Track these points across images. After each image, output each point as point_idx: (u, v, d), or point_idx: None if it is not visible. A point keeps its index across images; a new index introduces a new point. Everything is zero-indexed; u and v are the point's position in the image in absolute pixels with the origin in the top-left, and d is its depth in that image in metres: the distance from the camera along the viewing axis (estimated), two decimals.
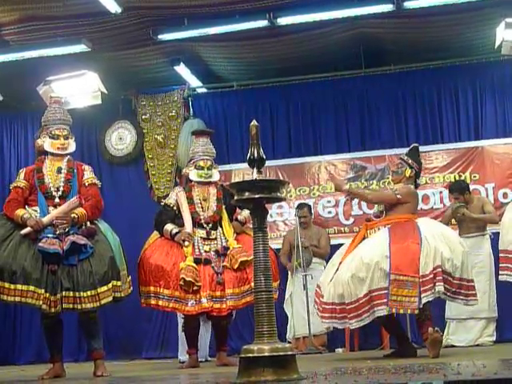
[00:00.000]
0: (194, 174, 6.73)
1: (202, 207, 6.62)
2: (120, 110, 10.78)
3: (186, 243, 6.38)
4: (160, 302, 6.28)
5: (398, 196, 6.20)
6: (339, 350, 8.81)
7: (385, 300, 5.66)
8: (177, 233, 6.46)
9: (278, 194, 3.82)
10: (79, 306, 5.45)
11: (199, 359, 6.81)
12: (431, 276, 5.70)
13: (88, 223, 5.73)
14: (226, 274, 6.32)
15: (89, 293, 5.45)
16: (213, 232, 6.55)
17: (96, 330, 5.73)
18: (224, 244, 6.49)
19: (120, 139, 10.72)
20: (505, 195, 9.37)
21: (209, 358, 7.84)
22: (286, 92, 10.38)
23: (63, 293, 5.42)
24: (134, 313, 9.38)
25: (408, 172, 6.41)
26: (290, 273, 8.80)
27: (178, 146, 10.33)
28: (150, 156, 10.61)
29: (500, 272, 7.30)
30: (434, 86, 9.98)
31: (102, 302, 5.50)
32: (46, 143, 5.91)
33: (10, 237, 5.54)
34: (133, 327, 9.90)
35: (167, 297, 6.24)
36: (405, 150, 9.62)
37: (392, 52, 9.92)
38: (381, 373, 3.86)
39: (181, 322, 7.71)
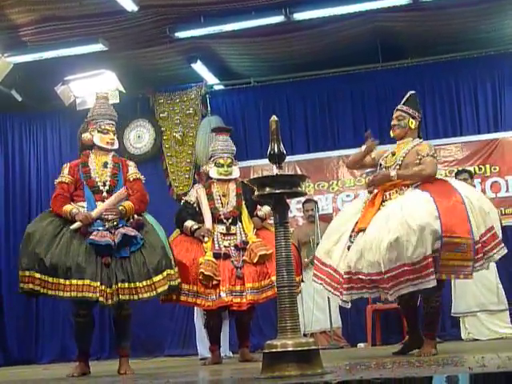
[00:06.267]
0: (213, 172, 6.75)
1: (222, 203, 6.64)
2: (138, 109, 10.81)
3: (206, 239, 6.40)
4: (181, 297, 6.29)
5: (433, 173, 5.55)
6: (361, 345, 8.80)
7: (432, 269, 5.07)
8: (196, 229, 6.49)
9: (299, 189, 3.81)
10: (136, 297, 5.45)
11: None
12: (485, 239, 5.25)
13: (135, 216, 5.74)
14: (245, 268, 6.32)
15: (144, 283, 5.46)
16: (232, 227, 6.56)
17: (128, 327, 5.73)
18: (243, 239, 6.50)
19: (138, 138, 10.75)
20: None
21: (231, 355, 7.85)
22: (303, 87, 10.37)
23: (119, 284, 5.42)
24: (155, 310, 9.41)
25: (412, 123, 5.77)
26: None
27: (196, 144, 10.36)
28: (168, 154, 10.64)
29: None
30: (452, 79, 9.94)
31: (159, 290, 5.52)
32: (96, 137, 5.88)
33: (60, 233, 5.52)
34: (154, 325, 9.93)
35: (187, 291, 6.25)
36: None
37: (409, 45, 9.88)
38: (405, 366, 3.84)
39: (197, 318, 7.75)
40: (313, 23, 8.91)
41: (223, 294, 6.23)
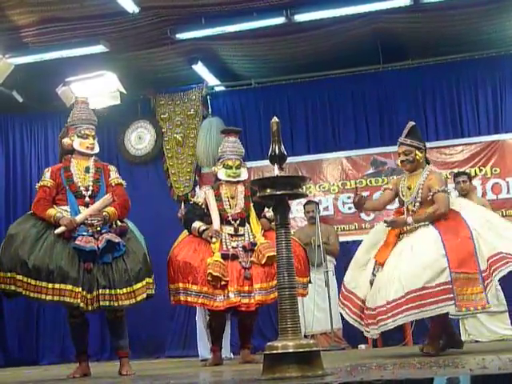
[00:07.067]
0: (222, 173, 6.74)
1: (230, 204, 6.63)
2: (139, 110, 10.82)
3: (214, 240, 6.39)
4: (189, 298, 6.29)
5: (446, 211, 5.77)
6: (362, 347, 8.79)
7: (451, 295, 5.34)
8: (204, 230, 6.48)
9: (300, 190, 3.81)
10: (116, 304, 5.47)
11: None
12: (488, 269, 5.45)
13: (118, 222, 5.76)
14: (253, 269, 6.32)
15: (125, 290, 5.49)
16: (240, 228, 6.56)
17: (123, 328, 5.75)
18: (251, 240, 6.50)
19: (139, 139, 10.76)
20: None
21: (232, 356, 7.85)
22: (304, 89, 10.37)
23: (100, 290, 5.43)
24: (156, 311, 9.41)
25: (418, 155, 5.98)
26: None
27: (197, 145, 10.36)
28: (169, 155, 10.65)
29: None
30: (453, 80, 9.94)
31: (138, 298, 5.56)
32: (76, 142, 5.86)
33: (43, 236, 5.52)
34: (155, 326, 9.93)
35: (195, 292, 6.25)
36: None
37: (410, 46, 9.89)
38: (406, 368, 3.84)
39: (199, 318, 7.74)
40: (314, 25, 8.91)
41: (232, 295, 6.23)
